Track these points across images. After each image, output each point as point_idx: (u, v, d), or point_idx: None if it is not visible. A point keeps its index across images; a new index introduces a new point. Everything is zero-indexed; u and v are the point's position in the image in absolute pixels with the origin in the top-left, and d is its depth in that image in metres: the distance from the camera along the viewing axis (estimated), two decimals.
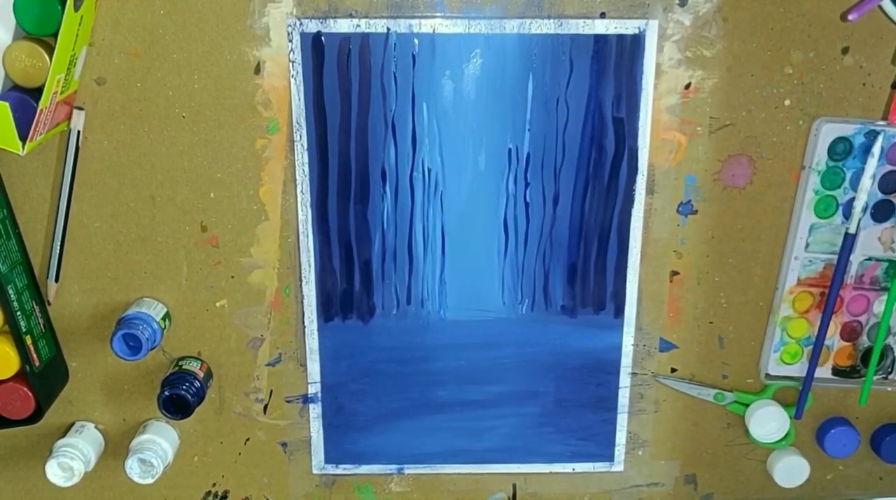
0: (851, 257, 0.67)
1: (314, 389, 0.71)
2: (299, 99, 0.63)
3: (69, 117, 0.62)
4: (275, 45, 0.62)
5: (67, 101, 0.61)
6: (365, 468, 0.74)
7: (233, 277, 0.68)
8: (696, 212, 0.67)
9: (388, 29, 0.62)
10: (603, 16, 0.62)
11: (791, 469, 0.73)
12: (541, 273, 0.68)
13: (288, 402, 0.72)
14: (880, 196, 0.66)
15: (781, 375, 0.71)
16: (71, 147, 0.63)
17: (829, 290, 0.68)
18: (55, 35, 0.56)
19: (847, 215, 0.66)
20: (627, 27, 0.62)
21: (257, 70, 0.63)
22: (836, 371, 0.72)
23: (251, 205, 0.66)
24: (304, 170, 0.65)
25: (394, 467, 0.74)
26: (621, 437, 0.73)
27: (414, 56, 0.63)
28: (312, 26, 0.61)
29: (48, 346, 0.67)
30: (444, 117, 0.64)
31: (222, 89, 0.63)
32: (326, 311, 0.69)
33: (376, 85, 0.63)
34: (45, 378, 0.66)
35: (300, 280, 0.68)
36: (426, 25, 0.62)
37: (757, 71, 0.64)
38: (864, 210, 0.66)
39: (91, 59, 0.62)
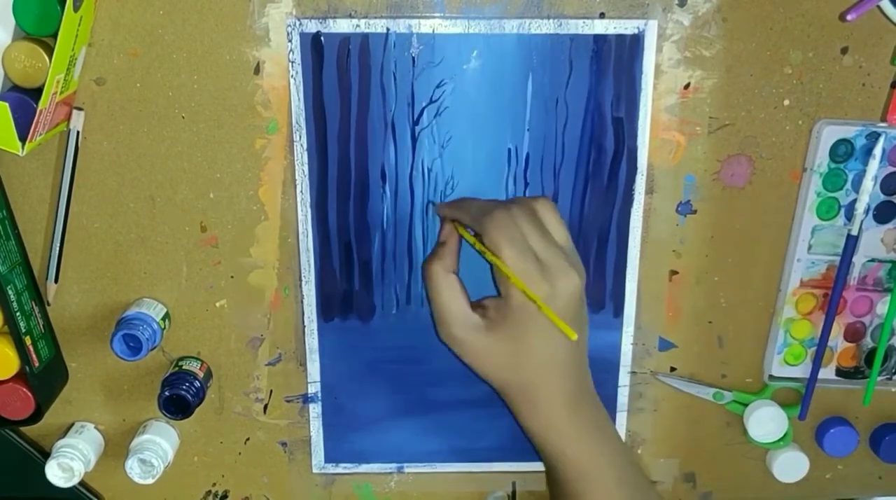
0: (854, 259, 0.67)
1: (314, 389, 0.71)
2: (299, 99, 0.63)
3: (69, 118, 0.62)
4: (274, 46, 0.62)
5: (67, 101, 0.61)
6: (365, 468, 0.74)
7: (232, 277, 0.68)
8: (695, 212, 0.67)
9: (388, 29, 0.62)
10: (602, 16, 0.62)
11: (791, 464, 0.73)
12: None
13: (288, 402, 0.72)
14: (882, 197, 0.66)
15: (785, 376, 0.71)
16: (70, 147, 0.63)
17: (832, 291, 0.68)
18: (55, 35, 0.56)
19: (849, 217, 0.66)
20: (627, 27, 0.62)
21: (257, 70, 0.63)
22: (840, 372, 0.71)
23: (251, 205, 0.66)
24: (303, 170, 0.65)
25: (393, 466, 0.74)
26: (621, 435, 0.73)
27: (413, 56, 0.62)
28: (312, 26, 0.61)
29: (48, 347, 0.67)
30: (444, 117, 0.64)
31: (222, 89, 0.63)
32: (326, 311, 0.69)
33: (376, 85, 0.63)
34: (45, 379, 0.66)
35: (300, 280, 0.68)
36: (426, 26, 0.62)
37: (756, 71, 0.64)
38: (866, 212, 0.66)
39: (90, 60, 0.62)
